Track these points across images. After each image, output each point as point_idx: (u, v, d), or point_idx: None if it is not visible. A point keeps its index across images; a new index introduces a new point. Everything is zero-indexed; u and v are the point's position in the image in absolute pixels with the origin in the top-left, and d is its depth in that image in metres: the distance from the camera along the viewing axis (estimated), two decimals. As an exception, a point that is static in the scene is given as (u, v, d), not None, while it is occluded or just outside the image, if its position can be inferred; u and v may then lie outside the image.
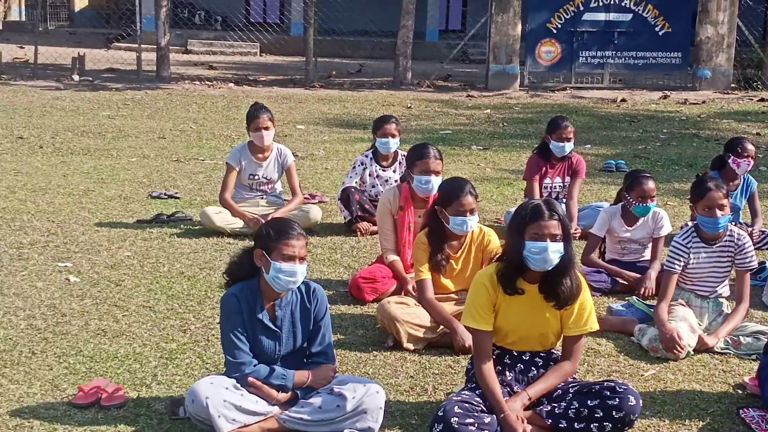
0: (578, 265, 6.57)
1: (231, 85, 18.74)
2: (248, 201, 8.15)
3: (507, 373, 4.54)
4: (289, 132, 13.47)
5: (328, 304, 4.60)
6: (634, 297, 6.28)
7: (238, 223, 7.93)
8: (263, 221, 7.67)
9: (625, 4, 19.75)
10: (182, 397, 4.44)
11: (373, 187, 8.34)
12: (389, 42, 25.81)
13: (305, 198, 8.84)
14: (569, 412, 4.31)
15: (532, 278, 4.44)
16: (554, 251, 4.32)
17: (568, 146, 8.21)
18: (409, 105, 16.68)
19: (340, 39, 24.99)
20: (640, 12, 19.79)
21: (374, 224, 7.96)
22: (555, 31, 19.63)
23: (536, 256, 4.33)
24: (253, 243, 4.48)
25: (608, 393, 4.31)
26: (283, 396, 4.39)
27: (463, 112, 16.28)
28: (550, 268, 4.36)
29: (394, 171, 8.39)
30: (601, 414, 4.27)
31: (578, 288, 4.46)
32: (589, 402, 4.31)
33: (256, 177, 8.14)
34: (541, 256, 4.32)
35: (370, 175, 8.37)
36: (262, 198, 8.22)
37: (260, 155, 8.13)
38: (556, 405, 4.38)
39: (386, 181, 8.32)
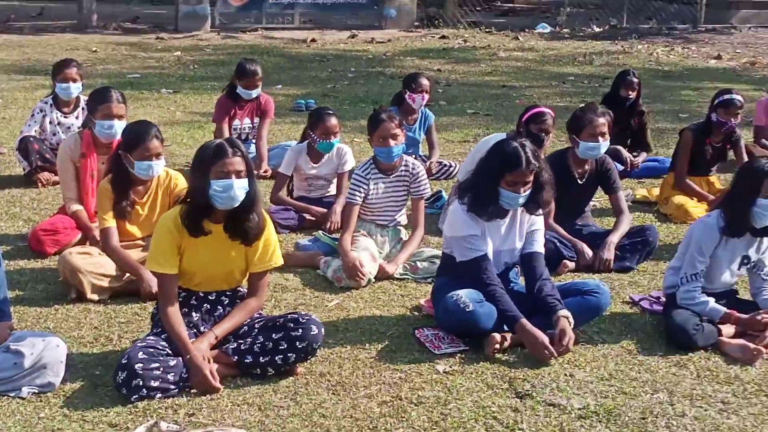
0: (267, 204, 6.71)
1: None
2: None
3: (193, 314, 4.56)
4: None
5: (2, 259, 4.39)
6: (320, 231, 6.46)
7: None
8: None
9: (313, -56, 19.96)
10: None
11: (54, 135, 7.98)
12: (72, -17, 24.64)
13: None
14: (254, 347, 4.41)
15: (217, 218, 4.46)
16: (240, 188, 4.35)
17: (255, 92, 8.27)
18: (94, 49, 16.05)
19: (17, -20, 23.52)
20: (327, -49, 20.08)
21: (56, 174, 7.66)
22: (244, -28, 19.53)
23: (222, 194, 4.33)
24: None
25: (292, 325, 4.44)
26: (-47, 357, 4.18)
27: (153, 55, 15.89)
28: (236, 206, 4.39)
29: (77, 117, 8.05)
30: (286, 345, 4.39)
31: (263, 224, 4.53)
32: (273, 335, 4.42)
33: None
34: (227, 194, 4.33)
35: (50, 122, 7.99)
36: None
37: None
38: (242, 341, 4.46)
39: (68, 128, 7.97)
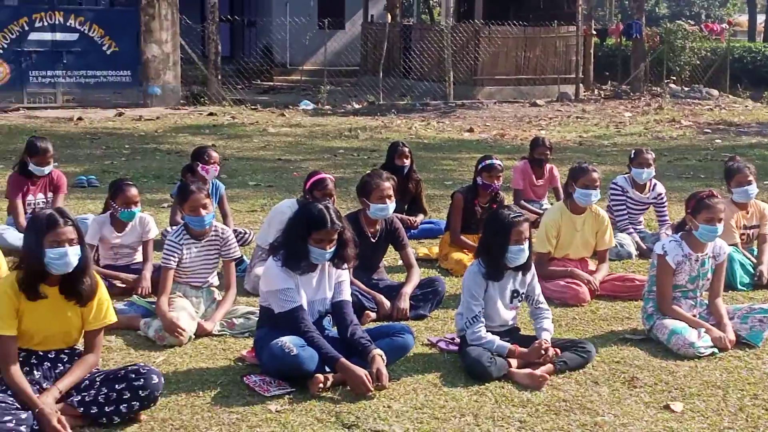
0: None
1: None
2: None
3: (35, 372, 4.78)
4: None
5: None
6: (135, 296, 6.74)
7: None
8: None
9: (71, 24, 20.01)
10: None
11: None
12: None
13: None
14: (99, 397, 4.70)
15: (52, 281, 4.74)
16: (73, 254, 4.68)
17: (47, 168, 8.40)
18: None
19: None
20: (85, 32, 20.20)
21: None
22: (2, 51, 19.33)
23: (57, 261, 4.65)
24: None
25: (133, 375, 4.77)
26: None
27: None
28: (70, 271, 4.70)
29: None
30: (129, 395, 4.71)
31: (96, 285, 4.86)
32: (116, 386, 4.73)
33: None
34: (62, 261, 4.65)
35: None
36: None
37: None
38: (86, 393, 4.73)
39: None
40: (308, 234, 5.45)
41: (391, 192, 6.96)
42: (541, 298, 6.05)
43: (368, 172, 7.38)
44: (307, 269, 5.54)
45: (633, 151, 9.07)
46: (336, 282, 5.69)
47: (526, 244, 5.80)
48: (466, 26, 24.60)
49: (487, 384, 5.49)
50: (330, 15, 27.95)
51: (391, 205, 6.96)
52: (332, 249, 5.51)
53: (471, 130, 18.52)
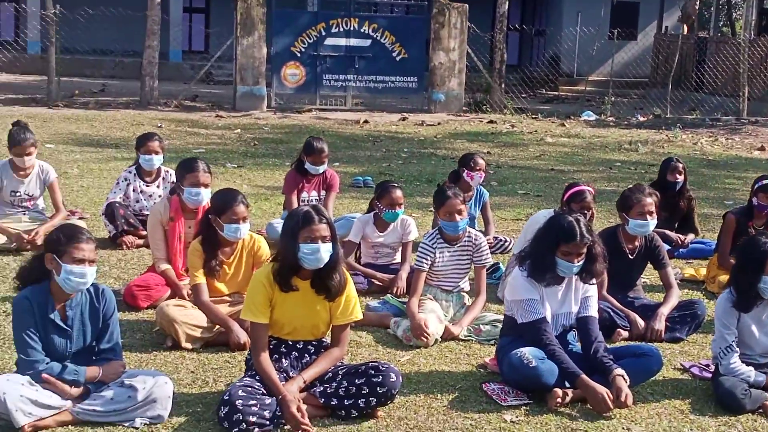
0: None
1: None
2: (11, 217, 8.18)
3: (283, 360, 5.03)
4: (39, 151, 13.28)
5: (115, 304, 4.91)
6: (389, 295, 6.94)
7: (0, 239, 7.95)
8: (27, 237, 7.80)
9: (364, 30, 20.81)
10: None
11: (137, 202, 8.59)
12: (131, 62, 25.75)
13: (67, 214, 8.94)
14: (339, 390, 4.87)
15: (304, 275, 4.97)
16: (325, 251, 4.87)
17: (322, 167, 8.77)
18: (159, 125, 16.84)
19: (81, 58, 24.66)
20: (378, 38, 20.92)
21: (139, 237, 8.26)
22: (299, 55, 20.39)
23: (310, 257, 4.86)
24: (43, 250, 4.72)
25: (373, 372, 4.91)
26: (75, 391, 4.66)
27: (214, 132, 16.65)
28: (321, 266, 4.90)
29: (158, 186, 8.67)
30: (367, 390, 4.85)
31: (345, 282, 5.03)
32: (356, 381, 4.89)
33: (18, 194, 8.19)
34: (314, 257, 4.86)
35: (134, 190, 8.61)
36: (24, 214, 8.27)
37: (22, 172, 8.21)
38: (327, 386, 4.92)
39: (150, 196, 8.59)
40: (556, 246, 5.38)
41: (653, 208, 6.72)
42: None
43: (630, 186, 7.16)
44: (552, 281, 5.46)
45: None
46: (583, 297, 5.57)
47: None
48: (765, 39, 23.27)
49: (738, 416, 5.18)
50: (622, 25, 27.37)
51: (652, 221, 6.71)
52: (580, 262, 5.40)
53: (762, 149, 17.50)
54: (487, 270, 7.36)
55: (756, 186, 7.99)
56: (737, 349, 5.46)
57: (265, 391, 4.77)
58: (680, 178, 9.11)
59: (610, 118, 21.15)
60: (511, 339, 5.50)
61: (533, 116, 20.99)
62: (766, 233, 6.23)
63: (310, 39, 20.54)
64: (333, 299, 5.03)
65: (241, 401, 4.61)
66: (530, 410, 5.12)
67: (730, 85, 22.79)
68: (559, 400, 5.15)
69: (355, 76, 20.97)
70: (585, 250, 5.39)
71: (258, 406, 4.65)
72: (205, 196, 6.70)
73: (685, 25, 27.12)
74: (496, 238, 8.92)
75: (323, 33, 20.58)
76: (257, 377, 4.86)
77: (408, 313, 6.31)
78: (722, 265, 7.87)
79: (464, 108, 21.47)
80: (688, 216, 9.20)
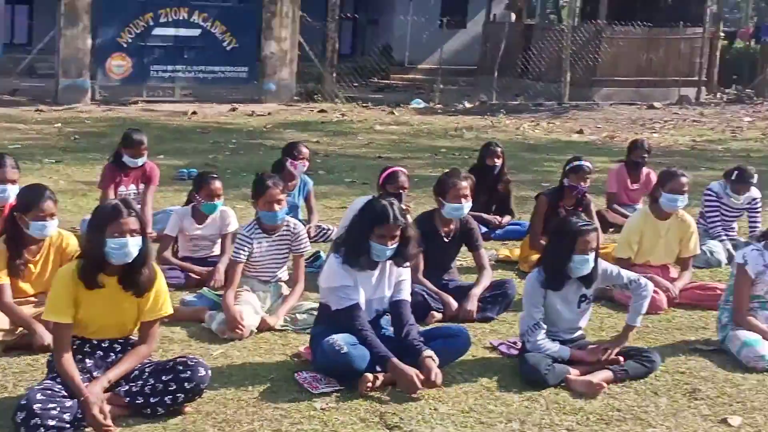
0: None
1: None
2: None
3: (87, 360, 4.90)
4: None
5: None
6: (205, 288, 6.85)
7: None
8: None
9: (194, 20, 20.45)
10: None
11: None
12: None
13: None
14: (145, 388, 4.77)
15: (111, 271, 4.84)
16: (134, 245, 4.77)
17: (141, 160, 8.58)
18: (-27, 121, 16.15)
19: None
20: (208, 28, 20.60)
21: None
22: (125, 46, 19.87)
23: (118, 252, 4.74)
24: None
25: (181, 367, 4.84)
26: None
27: (33, 127, 16.05)
28: (130, 261, 4.79)
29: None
30: (175, 386, 4.77)
31: (154, 276, 4.94)
32: (163, 377, 4.80)
33: None
34: (122, 251, 4.74)
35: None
36: None
37: None
38: (133, 384, 4.82)
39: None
40: (371, 229, 5.43)
41: (467, 192, 6.88)
42: (632, 276, 5.84)
43: (446, 171, 7.31)
44: (366, 265, 5.50)
45: (736, 172, 8.65)
46: (396, 280, 5.65)
47: (591, 255, 5.62)
48: (587, 26, 24.16)
49: (541, 390, 5.36)
50: (452, 14, 27.89)
51: (467, 204, 6.87)
52: (394, 246, 5.46)
53: (580, 132, 18.18)
54: (307, 259, 7.39)
55: (567, 167, 8.29)
56: (544, 326, 5.66)
57: (66, 394, 4.63)
58: (498, 162, 9.37)
59: (438, 106, 21.54)
60: (325, 327, 5.52)
61: (364, 105, 21.15)
62: (577, 213, 6.50)
63: (137, 29, 20.03)
64: (141, 295, 4.92)
65: (39, 405, 4.46)
66: (341, 396, 5.16)
67: (554, 71, 23.53)
68: (369, 384, 5.20)
69: (184, 66, 20.58)
70: (398, 232, 5.46)
71: (58, 409, 4.51)
72: (12, 192, 6.48)
73: (513, 13, 27.84)
74: (318, 226, 8.95)
75: (151, 23, 20.09)
76: (58, 379, 4.71)
77: (223, 306, 6.25)
78: (534, 245, 8.13)
79: (295, 98, 21.41)
80: (505, 198, 9.47)
